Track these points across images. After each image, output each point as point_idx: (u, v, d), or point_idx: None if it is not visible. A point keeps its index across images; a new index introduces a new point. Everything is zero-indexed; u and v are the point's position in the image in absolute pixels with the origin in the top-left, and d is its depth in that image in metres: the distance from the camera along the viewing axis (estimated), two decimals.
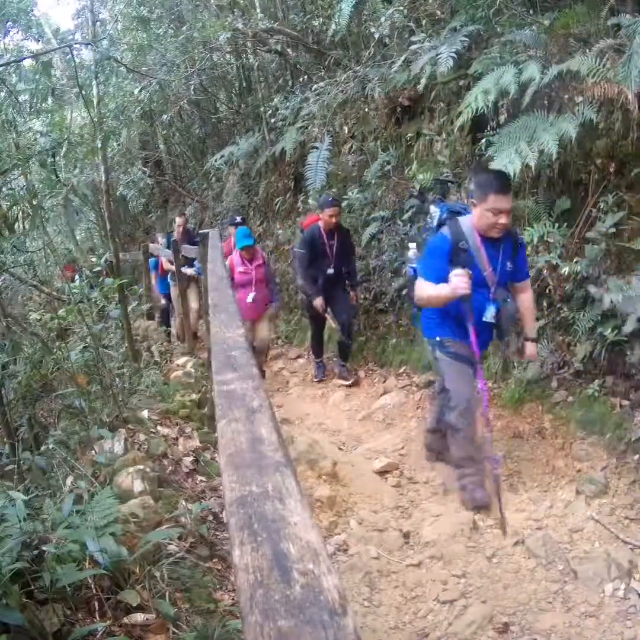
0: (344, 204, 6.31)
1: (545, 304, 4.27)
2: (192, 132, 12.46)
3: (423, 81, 5.32)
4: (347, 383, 5.91)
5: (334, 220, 5.74)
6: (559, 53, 4.20)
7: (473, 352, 3.36)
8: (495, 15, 5.00)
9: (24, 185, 5.49)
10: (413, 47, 5.64)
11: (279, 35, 8.31)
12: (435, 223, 3.59)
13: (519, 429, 4.16)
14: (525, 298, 3.62)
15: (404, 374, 5.59)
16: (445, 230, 3.40)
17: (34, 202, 4.58)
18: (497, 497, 3.24)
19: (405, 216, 5.74)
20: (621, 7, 4.00)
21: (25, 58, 7.43)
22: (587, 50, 3.81)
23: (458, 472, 3.62)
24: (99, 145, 5.67)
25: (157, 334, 8.56)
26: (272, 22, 8.31)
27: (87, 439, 3.31)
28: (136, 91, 9.51)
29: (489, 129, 4.66)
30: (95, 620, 1.88)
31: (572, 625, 2.59)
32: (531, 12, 4.86)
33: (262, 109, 8.94)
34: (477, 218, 3.30)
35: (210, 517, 3.02)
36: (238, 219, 7.24)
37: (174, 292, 7.93)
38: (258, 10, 8.68)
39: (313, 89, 7.31)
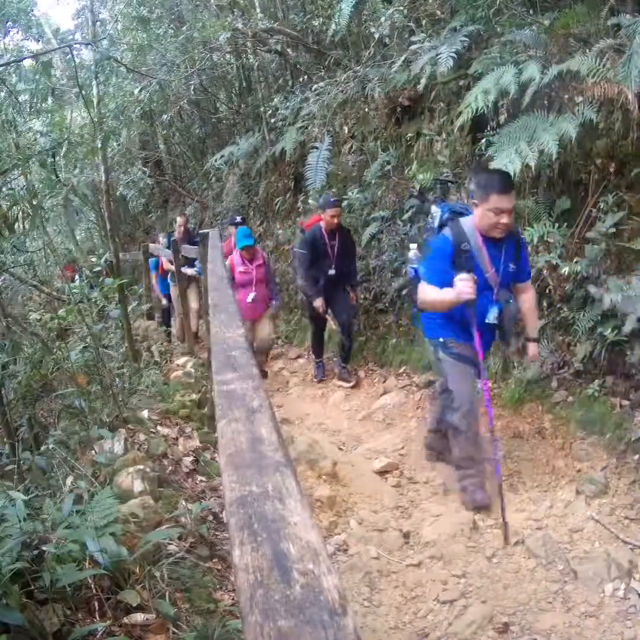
0: (344, 204, 6.31)
1: (545, 304, 4.27)
2: (192, 132, 12.46)
3: (423, 81, 5.32)
4: (348, 385, 5.91)
5: (335, 220, 5.74)
6: (559, 53, 4.20)
7: (476, 353, 3.34)
8: (495, 15, 5.00)
9: (24, 185, 5.49)
10: (413, 47, 5.64)
11: (279, 35, 8.31)
12: (436, 224, 3.56)
13: (519, 429, 4.16)
14: (528, 298, 3.59)
15: (404, 374, 5.59)
16: (446, 231, 3.37)
17: (34, 202, 4.58)
18: (499, 501, 3.20)
19: (405, 216, 5.74)
20: (621, 7, 4.00)
21: (25, 58, 7.43)
22: (587, 50, 3.81)
23: (459, 473, 3.62)
24: (99, 145, 5.67)
25: (157, 334, 8.57)
26: (272, 22, 8.31)
27: (87, 439, 3.31)
28: (136, 91, 9.51)
29: (489, 129, 4.66)
30: (95, 620, 1.88)
31: (572, 625, 2.59)
32: (531, 12, 4.86)
33: (262, 109, 8.94)
34: (478, 218, 3.27)
35: (210, 517, 3.02)
36: (238, 218, 7.25)
37: (174, 292, 7.93)
38: (258, 10, 8.68)
39: (313, 89, 7.31)
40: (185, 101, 10.09)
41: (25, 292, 7.32)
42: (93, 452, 3.19)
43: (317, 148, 6.97)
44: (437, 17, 6.07)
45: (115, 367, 4.35)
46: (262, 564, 0.68)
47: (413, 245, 3.94)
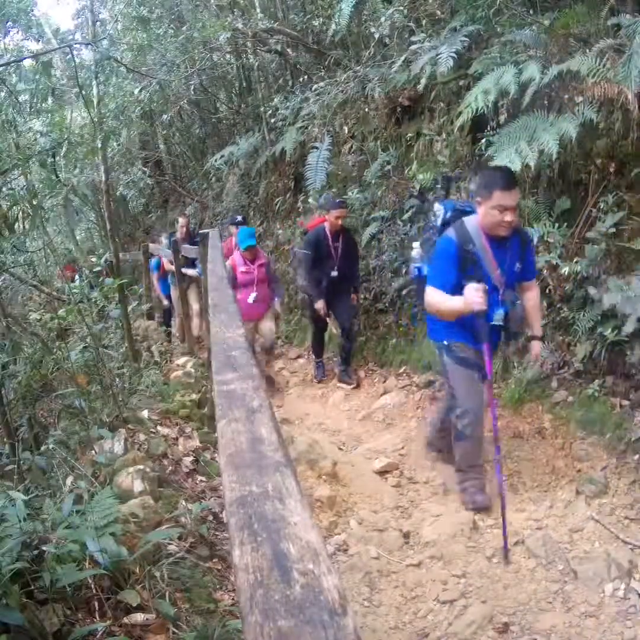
0: None
1: (545, 304, 4.26)
2: (192, 132, 12.47)
3: (423, 81, 5.32)
4: (350, 387, 5.90)
5: (340, 222, 5.74)
6: (559, 53, 4.20)
7: (482, 358, 3.25)
8: (495, 15, 5.00)
9: (24, 185, 5.50)
10: (413, 47, 5.64)
11: (279, 35, 8.31)
12: (439, 222, 3.50)
13: (519, 429, 4.16)
14: (532, 296, 3.53)
15: (404, 374, 5.59)
16: (451, 232, 3.29)
17: (34, 202, 4.58)
18: (499, 503, 3.17)
19: (405, 216, 5.74)
20: (621, 7, 4.00)
21: (25, 58, 7.43)
22: (587, 50, 3.81)
23: (459, 475, 3.61)
24: (99, 145, 5.67)
25: (157, 334, 8.56)
26: (272, 22, 8.31)
27: (87, 439, 3.31)
28: (136, 91, 9.51)
29: (489, 129, 4.66)
30: (95, 620, 1.88)
31: (572, 625, 2.59)
32: (531, 12, 4.86)
33: (262, 109, 8.94)
34: (482, 217, 3.19)
35: (210, 517, 3.02)
36: (239, 218, 7.24)
37: (174, 293, 7.90)
38: (258, 10, 8.68)
39: (313, 89, 7.31)
40: (185, 101, 10.10)
41: (25, 292, 7.31)
42: (93, 452, 3.19)
43: (317, 148, 6.97)
44: (437, 17, 6.07)
45: (115, 367, 4.35)
46: (262, 564, 0.68)
47: (416, 244, 3.87)
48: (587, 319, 3.84)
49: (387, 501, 3.73)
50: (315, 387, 6.20)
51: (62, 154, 7.74)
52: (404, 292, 5.74)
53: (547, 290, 4.20)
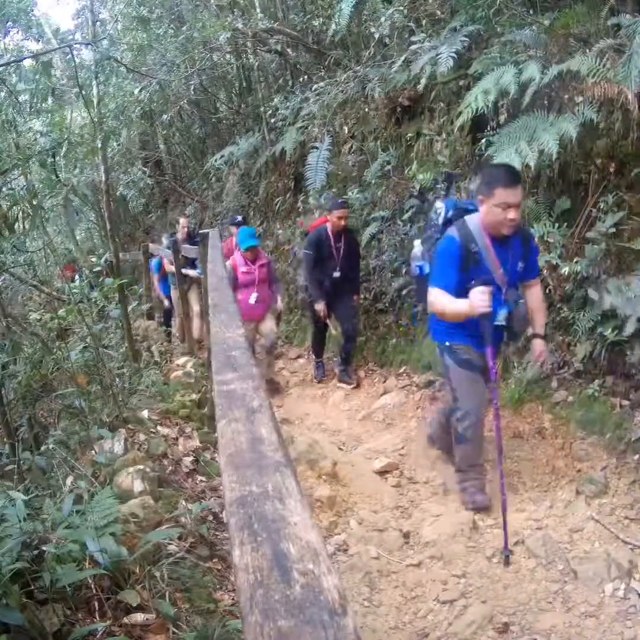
0: None
1: (545, 304, 4.26)
2: (192, 132, 12.47)
3: (423, 81, 5.32)
4: (350, 387, 5.90)
5: (342, 222, 5.73)
6: (559, 53, 4.20)
7: (485, 360, 3.23)
8: (495, 15, 5.00)
9: (24, 185, 5.50)
10: (413, 47, 5.64)
11: (279, 35, 8.31)
12: (440, 221, 3.45)
13: (519, 429, 4.15)
14: (535, 295, 3.49)
15: (404, 374, 5.59)
16: (453, 231, 3.24)
17: (34, 202, 4.58)
18: (500, 505, 3.14)
19: (405, 216, 5.74)
20: (621, 7, 4.00)
21: (25, 58, 7.43)
22: (587, 50, 3.81)
23: (459, 475, 3.61)
24: (99, 145, 5.67)
25: (157, 334, 8.56)
26: (272, 22, 8.31)
27: (87, 439, 3.31)
28: (136, 91, 9.51)
29: (489, 129, 4.66)
30: (95, 620, 1.88)
31: (572, 625, 2.59)
32: (531, 12, 4.86)
33: (262, 109, 8.94)
34: (484, 215, 3.14)
35: (210, 517, 3.02)
36: (239, 218, 7.23)
37: (174, 294, 7.89)
38: (258, 10, 8.68)
39: (313, 89, 7.31)
40: (185, 101, 10.10)
41: (25, 292, 7.31)
42: (93, 452, 3.19)
43: (317, 148, 6.97)
44: (437, 17, 6.07)
45: (115, 367, 4.34)
46: (262, 564, 0.68)
47: (417, 242, 3.81)
48: (587, 319, 3.84)
49: (387, 501, 3.73)
50: (315, 387, 6.20)
51: (62, 154, 7.74)
52: (404, 292, 5.74)
53: (547, 290, 4.20)
